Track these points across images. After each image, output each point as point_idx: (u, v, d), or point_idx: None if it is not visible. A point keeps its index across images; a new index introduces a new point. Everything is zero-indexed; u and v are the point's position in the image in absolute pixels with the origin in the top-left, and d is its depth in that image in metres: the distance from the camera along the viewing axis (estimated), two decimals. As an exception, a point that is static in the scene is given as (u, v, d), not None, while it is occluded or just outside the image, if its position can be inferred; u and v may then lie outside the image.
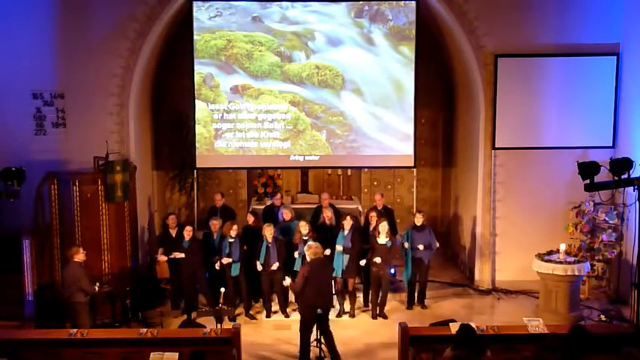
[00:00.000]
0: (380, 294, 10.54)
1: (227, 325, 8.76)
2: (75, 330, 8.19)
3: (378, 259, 10.32)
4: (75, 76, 11.00)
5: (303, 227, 10.37)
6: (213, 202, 11.86)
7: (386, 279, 10.51)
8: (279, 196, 11.89)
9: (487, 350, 7.08)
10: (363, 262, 10.50)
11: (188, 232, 10.44)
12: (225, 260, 10.33)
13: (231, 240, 10.39)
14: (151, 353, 7.48)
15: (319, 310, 8.77)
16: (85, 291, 9.16)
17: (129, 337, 8.17)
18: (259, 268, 10.34)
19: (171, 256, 10.44)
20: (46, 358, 7.85)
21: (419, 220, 10.81)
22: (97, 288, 9.45)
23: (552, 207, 11.40)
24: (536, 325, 7.95)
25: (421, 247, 10.64)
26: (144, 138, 12.17)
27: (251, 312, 10.63)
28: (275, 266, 10.30)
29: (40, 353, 7.84)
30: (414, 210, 12.32)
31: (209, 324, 8.80)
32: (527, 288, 11.37)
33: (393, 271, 10.86)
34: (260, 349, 9.46)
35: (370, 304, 10.67)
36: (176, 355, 7.43)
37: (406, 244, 10.70)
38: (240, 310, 10.58)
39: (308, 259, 9.00)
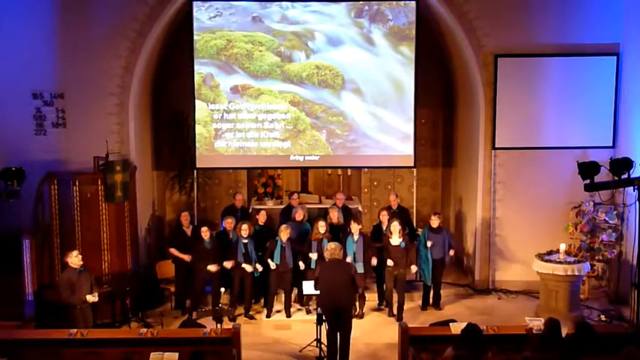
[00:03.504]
0: (397, 295, 10.52)
1: (227, 325, 8.77)
2: (75, 330, 8.19)
3: (390, 262, 10.34)
4: (75, 76, 11.00)
5: (322, 227, 10.37)
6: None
7: (401, 279, 10.49)
8: (295, 196, 11.80)
9: (488, 350, 7.08)
10: (374, 262, 10.44)
11: (206, 233, 10.39)
12: (250, 268, 10.30)
13: (245, 240, 10.39)
14: (151, 353, 7.48)
15: (319, 310, 8.78)
16: (73, 300, 8.90)
17: (129, 337, 8.19)
18: (273, 266, 10.31)
19: (180, 256, 10.41)
20: (46, 358, 7.87)
21: (435, 222, 10.80)
22: (91, 298, 8.98)
23: (552, 207, 11.40)
24: (538, 326, 7.93)
25: (451, 252, 10.85)
26: (144, 138, 12.17)
27: (251, 312, 10.63)
28: (302, 265, 10.36)
29: (40, 353, 7.86)
30: (414, 210, 12.34)
31: (209, 324, 8.80)
32: (527, 288, 11.38)
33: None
34: (260, 349, 9.47)
35: (387, 304, 10.66)
36: (176, 355, 7.43)
37: (429, 243, 10.66)
38: (240, 310, 10.58)
39: (325, 258, 9.01)
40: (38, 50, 10.90)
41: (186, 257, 10.54)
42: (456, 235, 12.99)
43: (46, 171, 10.39)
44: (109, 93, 11.13)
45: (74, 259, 9.02)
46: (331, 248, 8.97)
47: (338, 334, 8.82)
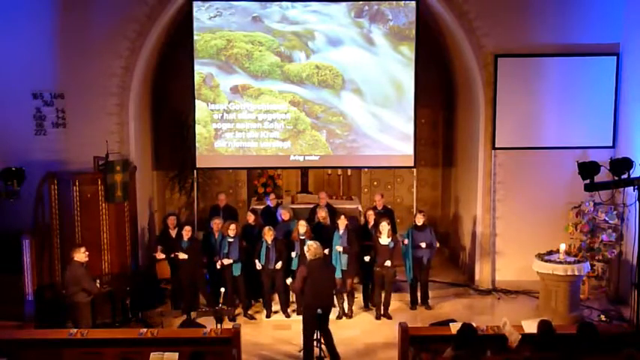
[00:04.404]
0: (383, 294, 10.55)
1: (227, 325, 8.77)
2: (75, 330, 8.19)
3: (388, 263, 10.35)
4: (75, 76, 11.00)
5: (302, 226, 10.41)
6: (215, 202, 11.90)
7: (389, 279, 10.51)
8: (272, 196, 11.92)
9: (487, 350, 7.09)
10: (367, 259, 10.46)
11: (187, 232, 10.45)
12: (226, 261, 10.34)
13: (230, 240, 10.41)
14: (151, 353, 7.48)
15: (319, 310, 8.77)
16: (87, 291, 9.14)
17: (129, 337, 8.16)
18: (259, 267, 10.37)
19: (173, 255, 10.44)
20: (46, 358, 7.86)
21: (420, 220, 10.84)
22: (98, 285, 9.40)
23: (552, 207, 11.40)
24: (510, 331, 7.74)
25: (423, 244, 10.68)
26: (144, 138, 12.17)
27: (250, 312, 10.63)
28: (278, 265, 10.34)
29: (40, 353, 7.86)
30: (414, 210, 12.32)
31: (209, 324, 8.80)
32: (527, 288, 11.37)
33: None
34: (260, 349, 9.47)
35: (374, 305, 10.65)
36: (176, 355, 7.43)
37: (405, 241, 10.72)
38: (239, 310, 10.58)
39: (308, 259, 9.00)
40: (38, 50, 10.90)
41: (160, 255, 10.67)
42: (455, 235, 13.01)
43: (46, 171, 10.39)
44: (109, 93, 11.13)
45: (81, 255, 9.18)
46: (313, 248, 8.91)
47: (317, 334, 8.82)
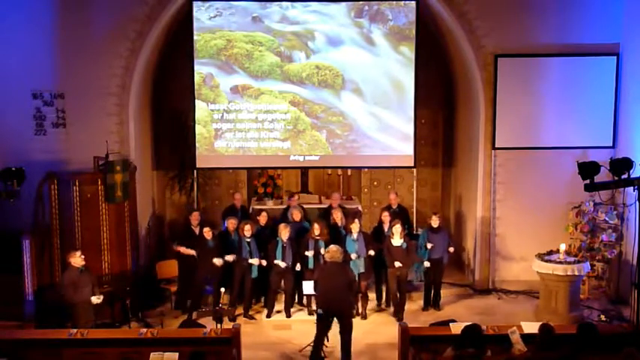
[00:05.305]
0: (399, 295, 10.53)
1: (227, 325, 8.77)
2: (75, 330, 8.19)
3: (398, 264, 10.31)
4: (75, 76, 10.99)
5: (317, 229, 10.41)
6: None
7: (404, 280, 10.49)
8: (296, 197, 11.87)
9: (487, 350, 7.09)
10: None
11: (208, 233, 10.45)
12: (256, 261, 10.37)
13: (249, 240, 10.42)
14: (151, 353, 7.48)
15: (319, 311, 8.79)
16: (65, 299, 9.00)
17: (129, 337, 8.17)
18: (283, 265, 10.32)
19: (187, 252, 10.51)
20: (46, 358, 7.85)
21: (435, 222, 10.81)
22: (96, 300, 9.19)
23: (552, 207, 11.40)
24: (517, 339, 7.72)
25: (451, 249, 10.82)
26: (144, 138, 12.17)
27: (250, 312, 10.63)
28: (297, 267, 10.39)
29: (40, 353, 7.85)
30: (414, 210, 12.34)
31: (209, 324, 8.80)
32: (527, 288, 11.38)
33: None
34: (260, 349, 9.47)
35: (392, 304, 10.67)
36: (176, 355, 7.43)
37: (429, 245, 10.69)
38: (240, 310, 10.57)
39: (325, 260, 9.00)
40: (38, 50, 10.90)
41: (193, 252, 10.53)
42: (455, 235, 13.00)
43: (46, 171, 10.37)
44: (109, 93, 11.12)
45: (77, 259, 9.13)
46: (332, 251, 8.96)
47: (339, 335, 8.84)
